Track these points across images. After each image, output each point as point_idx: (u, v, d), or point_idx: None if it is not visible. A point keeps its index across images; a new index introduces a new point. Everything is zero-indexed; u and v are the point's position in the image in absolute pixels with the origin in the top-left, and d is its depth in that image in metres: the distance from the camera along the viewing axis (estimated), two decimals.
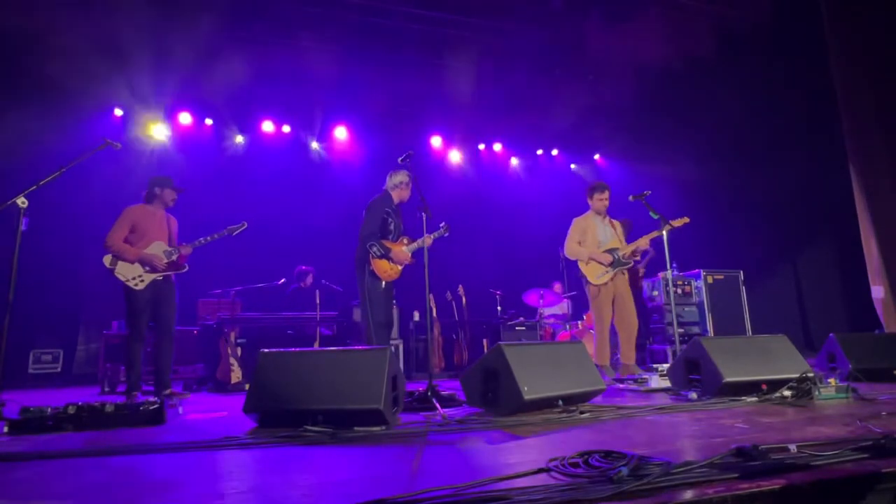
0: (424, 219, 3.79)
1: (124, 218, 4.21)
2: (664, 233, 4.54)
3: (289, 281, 6.62)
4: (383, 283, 4.16)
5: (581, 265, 5.06)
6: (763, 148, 8.10)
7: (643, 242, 5.09)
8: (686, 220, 4.84)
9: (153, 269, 4.19)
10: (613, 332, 5.02)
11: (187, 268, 4.38)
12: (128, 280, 4.11)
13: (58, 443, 2.36)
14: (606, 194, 5.11)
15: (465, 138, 9.38)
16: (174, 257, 4.28)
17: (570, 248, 5.10)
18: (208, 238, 4.39)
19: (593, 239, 5.05)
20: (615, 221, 5.24)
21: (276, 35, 7.19)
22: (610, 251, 4.98)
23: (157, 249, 4.24)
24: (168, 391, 4.21)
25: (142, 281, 4.14)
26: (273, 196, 7.89)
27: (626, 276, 5.02)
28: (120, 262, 4.11)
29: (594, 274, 4.97)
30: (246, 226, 4.51)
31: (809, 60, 7.17)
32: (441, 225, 4.24)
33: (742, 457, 1.56)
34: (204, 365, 5.77)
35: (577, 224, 5.15)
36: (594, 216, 5.16)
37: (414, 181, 4.22)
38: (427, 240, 3.94)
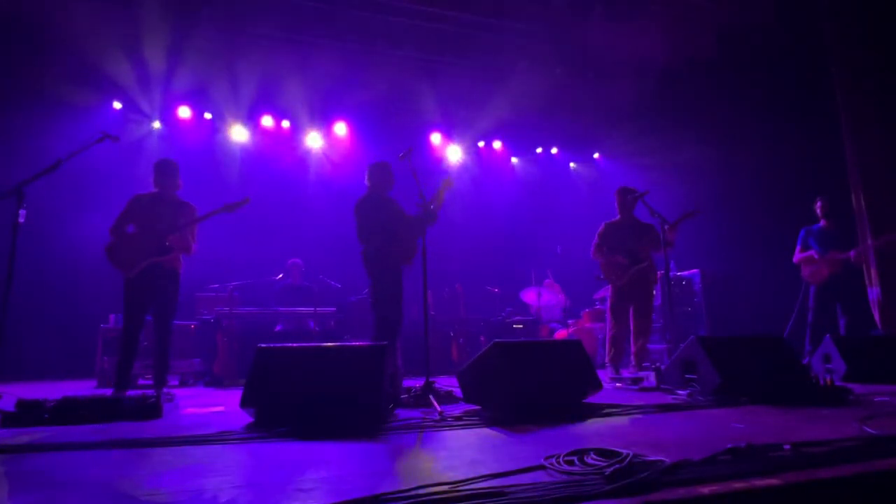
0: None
1: (127, 206, 4.11)
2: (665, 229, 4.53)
3: (286, 276, 6.61)
4: (397, 276, 4.06)
5: (601, 266, 5.16)
6: (763, 148, 8.09)
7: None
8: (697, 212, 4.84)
9: (142, 255, 3.98)
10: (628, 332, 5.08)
11: (175, 252, 4.10)
12: (122, 267, 3.97)
13: (54, 436, 2.35)
14: (627, 197, 5.11)
15: (465, 136, 9.37)
16: (166, 243, 4.05)
17: (593, 250, 5.22)
18: (203, 216, 4.18)
19: (615, 241, 5.11)
20: (646, 224, 5.18)
21: (276, 31, 7.17)
22: (626, 252, 5.00)
23: (150, 234, 4.05)
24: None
25: (132, 267, 3.96)
26: (272, 192, 7.86)
27: (649, 276, 5.00)
28: (115, 249, 3.98)
29: (610, 275, 5.07)
30: (249, 200, 4.17)
31: (810, 60, 7.16)
32: (443, 180, 4.16)
33: (737, 456, 1.56)
34: (201, 359, 5.77)
35: (604, 227, 5.24)
36: (620, 219, 5.22)
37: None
38: (440, 198, 3.95)
